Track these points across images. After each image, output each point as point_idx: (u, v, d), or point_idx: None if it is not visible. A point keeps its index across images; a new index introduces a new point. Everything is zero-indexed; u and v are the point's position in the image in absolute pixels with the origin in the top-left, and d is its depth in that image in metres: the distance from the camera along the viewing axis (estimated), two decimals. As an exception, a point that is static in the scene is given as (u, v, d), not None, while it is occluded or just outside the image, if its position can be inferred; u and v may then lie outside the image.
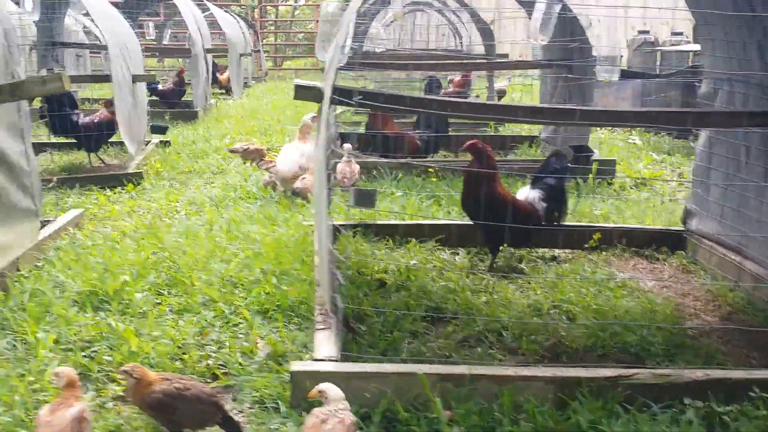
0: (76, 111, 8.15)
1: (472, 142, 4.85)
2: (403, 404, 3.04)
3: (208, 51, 12.96)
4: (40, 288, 4.18)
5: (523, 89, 15.11)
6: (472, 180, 4.81)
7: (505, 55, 12.17)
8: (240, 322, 3.93)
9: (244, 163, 8.11)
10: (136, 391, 2.80)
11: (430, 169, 6.98)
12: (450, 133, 8.39)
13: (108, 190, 6.91)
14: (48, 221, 5.24)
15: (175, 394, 2.77)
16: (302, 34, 31.78)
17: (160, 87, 12.69)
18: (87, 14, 12.50)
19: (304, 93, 4.04)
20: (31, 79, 4.14)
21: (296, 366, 3.15)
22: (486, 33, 11.89)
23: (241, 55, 16.22)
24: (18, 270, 4.40)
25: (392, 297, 4.26)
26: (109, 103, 8.04)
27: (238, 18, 19.02)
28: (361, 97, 3.17)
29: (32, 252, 4.65)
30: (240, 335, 3.80)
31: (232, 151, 8.28)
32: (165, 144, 9.36)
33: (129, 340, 3.50)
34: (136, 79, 8.25)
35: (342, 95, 3.25)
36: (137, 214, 6.12)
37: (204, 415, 2.80)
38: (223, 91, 16.29)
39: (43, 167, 7.45)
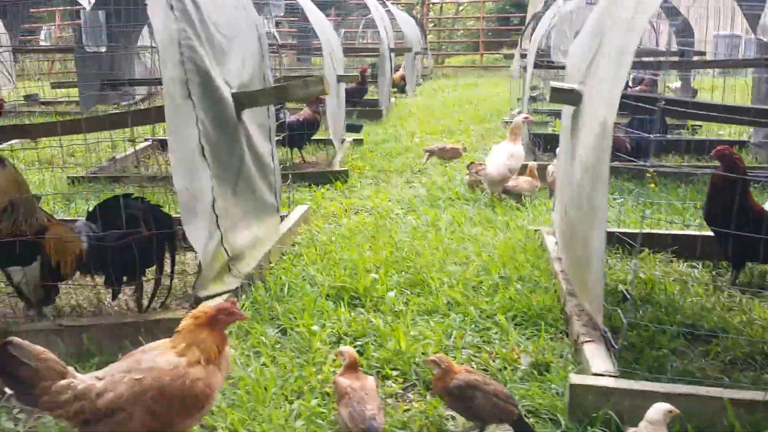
0: (283, 110, 8.57)
1: (721, 148, 4.58)
2: (692, 427, 2.92)
3: (391, 50, 13.20)
4: (294, 281, 4.41)
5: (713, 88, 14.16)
6: (720, 190, 4.55)
7: (702, 53, 11.49)
8: (490, 327, 3.95)
9: (426, 160, 8.19)
10: (440, 380, 2.93)
11: (648, 174, 6.71)
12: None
13: (318, 186, 7.19)
14: (283, 216, 5.52)
15: (476, 385, 2.86)
16: (461, 32, 31.79)
17: (345, 86, 13.08)
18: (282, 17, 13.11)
19: (560, 96, 4.01)
20: (295, 82, 4.37)
21: (576, 379, 3.11)
22: (684, 28, 11.29)
23: (416, 53, 16.44)
24: (269, 262, 4.67)
25: (640, 311, 4.11)
26: (312, 103, 8.37)
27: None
28: (664, 103, 3.06)
29: (278, 245, 4.92)
30: (494, 340, 3.81)
31: (428, 151, 8.38)
32: (358, 142, 9.65)
33: (397, 338, 3.61)
34: (339, 79, 8.56)
35: (638, 101, 3.16)
36: (353, 211, 6.34)
37: (499, 412, 2.85)
38: (395, 90, 16.57)
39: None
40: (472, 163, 6.81)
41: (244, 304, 3.97)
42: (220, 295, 3.85)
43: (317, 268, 4.65)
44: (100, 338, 3.57)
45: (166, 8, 3.70)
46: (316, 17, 8.18)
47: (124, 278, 3.97)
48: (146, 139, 9.35)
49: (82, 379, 2.47)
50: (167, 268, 3.99)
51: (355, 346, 3.67)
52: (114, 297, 4.05)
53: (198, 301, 3.74)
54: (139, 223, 3.84)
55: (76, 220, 4.05)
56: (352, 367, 3.00)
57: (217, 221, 4.01)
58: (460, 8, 31.05)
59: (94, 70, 7.88)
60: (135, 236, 3.71)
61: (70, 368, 2.49)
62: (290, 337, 3.73)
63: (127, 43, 9.16)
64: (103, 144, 7.73)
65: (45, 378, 2.40)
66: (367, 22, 21.41)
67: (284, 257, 4.91)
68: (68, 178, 7.44)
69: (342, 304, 4.12)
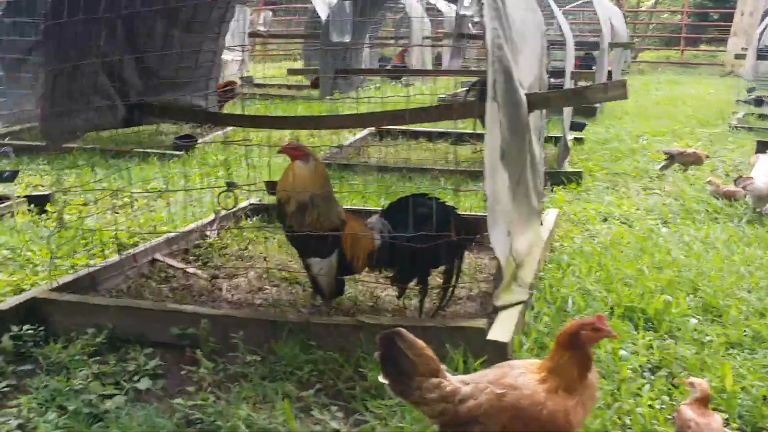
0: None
1: None
2: None
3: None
4: (571, 294, 4.19)
5: None
6: None
7: None
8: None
9: (664, 166, 7.66)
10: None
11: None
12: None
13: (550, 187, 6.91)
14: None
15: None
16: (653, 26, 30.04)
17: (552, 80, 12.66)
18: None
19: None
20: (595, 85, 4.15)
21: None
22: None
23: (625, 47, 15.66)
24: (539, 271, 4.49)
25: None
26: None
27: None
28: None
29: (543, 253, 4.72)
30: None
31: (667, 154, 7.85)
32: (578, 141, 9.25)
33: (722, 374, 3.29)
34: (572, 75, 8.22)
35: None
36: (601, 218, 6.02)
37: None
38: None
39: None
40: (740, 177, 6.25)
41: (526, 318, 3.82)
42: (514, 305, 3.71)
43: (592, 281, 4.40)
44: (400, 339, 3.53)
45: (488, 7, 3.59)
46: (557, 13, 7.87)
47: (413, 278, 3.95)
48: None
49: (451, 381, 2.45)
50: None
51: (659, 377, 3.41)
52: (400, 296, 4.04)
53: (496, 310, 3.63)
54: (431, 224, 3.77)
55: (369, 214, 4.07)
56: (702, 402, 2.75)
57: (508, 227, 3.88)
58: (659, 1, 29.34)
59: (331, 59, 8.10)
60: (443, 240, 3.64)
61: (443, 366, 2.47)
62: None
63: (360, 33, 9.35)
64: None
65: (421, 373, 2.42)
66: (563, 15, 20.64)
67: (549, 266, 4.71)
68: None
69: (636, 327, 3.85)
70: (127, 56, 4.17)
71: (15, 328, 3.67)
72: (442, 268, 3.94)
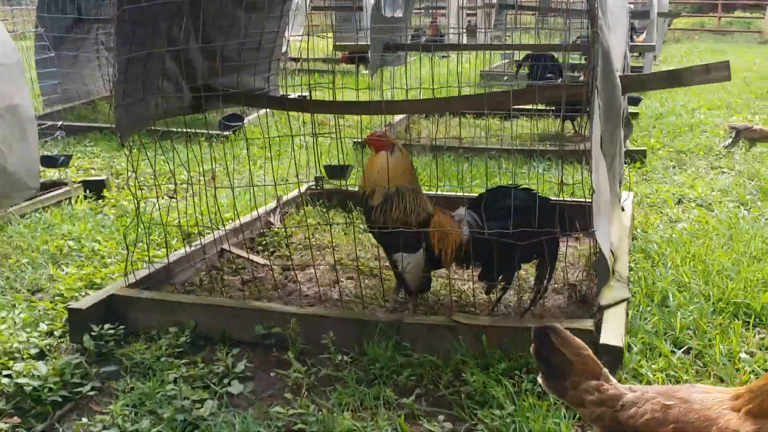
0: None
1: None
2: None
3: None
4: (668, 287, 3.98)
5: None
6: None
7: None
8: None
9: (732, 142, 7.36)
10: None
11: None
12: None
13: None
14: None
15: None
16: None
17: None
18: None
19: None
20: (694, 67, 3.88)
21: None
22: None
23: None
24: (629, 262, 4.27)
25: None
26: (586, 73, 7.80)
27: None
28: None
29: (628, 242, 4.50)
30: None
31: (733, 128, 7.55)
32: (633, 116, 8.94)
33: None
34: (632, 49, 7.89)
35: None
36: (675, 200, 5.77)
37: None
38: (636, 54, 15.39)
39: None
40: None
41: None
42: (617, 303, 3.50)
43: (687, 273, 4.17)
44: (499, 341, 3.35)
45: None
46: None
47: (504, 273, 3.75)
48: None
49: (615, 386, 2.27)
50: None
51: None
52: (488, 291, 3.85)
53: (601, 309, 3.43)
54: (526, 216, 3.56)
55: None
56: None
57: (609, 219, 3.67)
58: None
59: (379, 35, 7.85)
60: (549, 237, 3.43)
61: (605, 370, 2.29)
62: (706, 360, 3.31)
63: (409, 7, 9.07)
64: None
65: (578, 373, 2.25)
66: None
67: (636, 255, 4.49)
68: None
69: (744, 324, 3.64)
70: (193, 39, 3.97)
71: (95, 327, 3.53)
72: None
